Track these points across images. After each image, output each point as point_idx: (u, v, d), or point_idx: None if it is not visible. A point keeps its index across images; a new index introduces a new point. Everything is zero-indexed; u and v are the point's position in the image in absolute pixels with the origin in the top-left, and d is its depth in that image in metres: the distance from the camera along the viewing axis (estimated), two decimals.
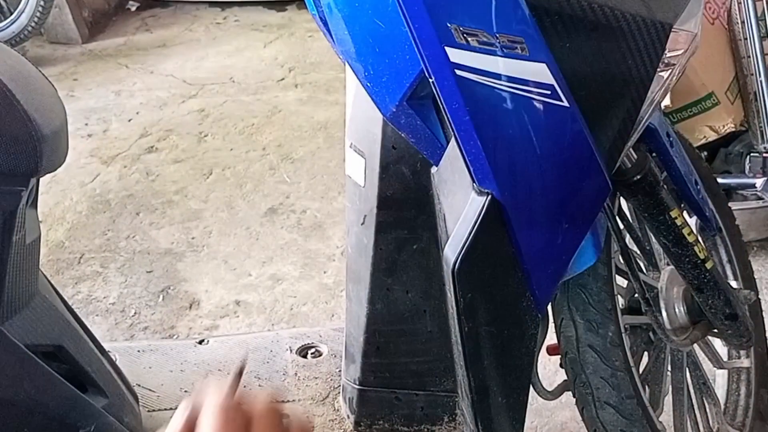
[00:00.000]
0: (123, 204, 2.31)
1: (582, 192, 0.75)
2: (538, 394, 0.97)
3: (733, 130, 1.93)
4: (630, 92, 0.70)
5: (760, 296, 1.28)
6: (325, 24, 0.86)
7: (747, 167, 1.88)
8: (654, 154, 0.97)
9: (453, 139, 0.73)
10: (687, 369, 1.14)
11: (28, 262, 0.98)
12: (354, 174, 1.15)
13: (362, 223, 1.15)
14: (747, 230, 1.78)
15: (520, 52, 0.65)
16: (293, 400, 1.35)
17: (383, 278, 1.16)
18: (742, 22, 1.89)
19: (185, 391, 1.32)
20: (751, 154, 1.88)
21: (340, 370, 1.37)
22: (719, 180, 1.48)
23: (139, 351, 1.46)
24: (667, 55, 0.71)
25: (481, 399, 0.84)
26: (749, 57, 1.88)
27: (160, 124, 2.80)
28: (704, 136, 1.94)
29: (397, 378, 1.27)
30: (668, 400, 1.11)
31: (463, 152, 0.72)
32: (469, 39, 0.65)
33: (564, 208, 0.76)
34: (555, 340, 0.96)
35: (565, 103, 0.67)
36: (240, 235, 2.15)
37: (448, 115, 0.70)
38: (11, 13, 3.29)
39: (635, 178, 0.85)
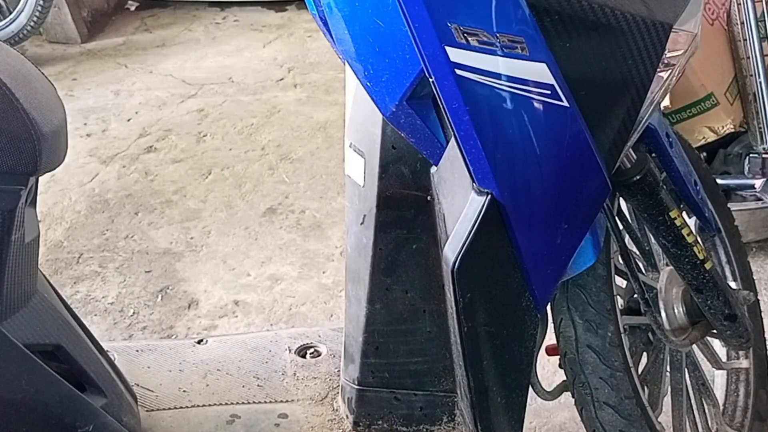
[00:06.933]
0: (122, 204, 2.31)
1: (581, 192, 0.75)
2: (537, 395, 0.97)
3: (733, 131, 1.93)
4: (630, 92, 0.70)
5: (758, 297, 1.29)
6: (325, 24, 0.86)
7: (746, 168, 1.88)
8: (654, 155, 0.97)
9: (453, 138, 0.73)
10: (686, 369, 1.14)
11: (27, 262, 0.98)
12: (353, 174, 1.15)
13: (361, 223, 1.15)
14: (746, 231, 1.79)
15: (520, 51, 0.65)
16: (292, 400, 1.35)
17: (382, 278, 1.16)
18: (742, 24, 1.89)
19: (184, 391, 1.32)
20: (750, 155, 1.88)
21: (339, 370, 1.37)
22: (718, 181, 1.49)
23: (137, 351, 1.45)
24: (667, 56, 0.71)
25: (480, 399, 0.84)
26: (749, 58, 1.88)
27: (159, 124, 2.80)
28: (703, 137, 1.94)
29: (396, 378, 1.27)
30: (667, 401, 1.11)
31: (463, 152, 0.72)
32: (470, 39, 0.65)
33: (563, 208, 0.76)
34: (554, 341, 0.96)
35: (565, 103, 0.68)
36: (239, 235, 2.14)
37: (448, 115, 0.70)
38: (10, 13, 3.29)
39: (635, 179, 0.85)
